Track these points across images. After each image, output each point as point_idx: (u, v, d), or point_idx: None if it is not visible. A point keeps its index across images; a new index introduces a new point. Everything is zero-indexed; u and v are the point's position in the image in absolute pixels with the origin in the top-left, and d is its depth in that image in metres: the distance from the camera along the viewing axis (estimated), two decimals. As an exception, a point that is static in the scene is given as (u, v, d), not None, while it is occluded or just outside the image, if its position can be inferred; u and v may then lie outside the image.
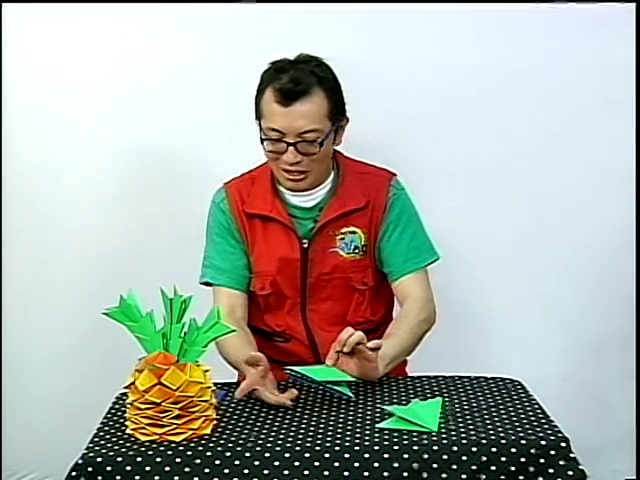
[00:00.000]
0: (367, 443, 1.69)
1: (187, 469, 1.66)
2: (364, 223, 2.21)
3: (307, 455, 1.67)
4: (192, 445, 1.71)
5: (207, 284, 2.25)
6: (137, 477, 1.66)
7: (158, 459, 1.67)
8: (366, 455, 1.67)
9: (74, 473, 1.67)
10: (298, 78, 2.06)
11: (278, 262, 2.20)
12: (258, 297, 2.25)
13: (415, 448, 1.67)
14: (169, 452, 1.69)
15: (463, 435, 1.71)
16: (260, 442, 1.71)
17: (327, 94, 2.09)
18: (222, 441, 1.72)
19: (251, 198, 2.22)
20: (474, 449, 1.67)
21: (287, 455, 1.67)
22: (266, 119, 2.10)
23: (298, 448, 1.68)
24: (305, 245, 2.19)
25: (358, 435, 1.73)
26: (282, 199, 2.20)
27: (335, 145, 2.19)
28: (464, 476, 1.66)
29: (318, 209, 2.20)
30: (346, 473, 1.66)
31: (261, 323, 2.27)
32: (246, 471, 1.66)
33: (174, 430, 1.73)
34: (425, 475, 1.66)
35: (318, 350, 2.21)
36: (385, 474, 1.65)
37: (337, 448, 1.68)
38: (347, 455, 1.67)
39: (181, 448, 1.70)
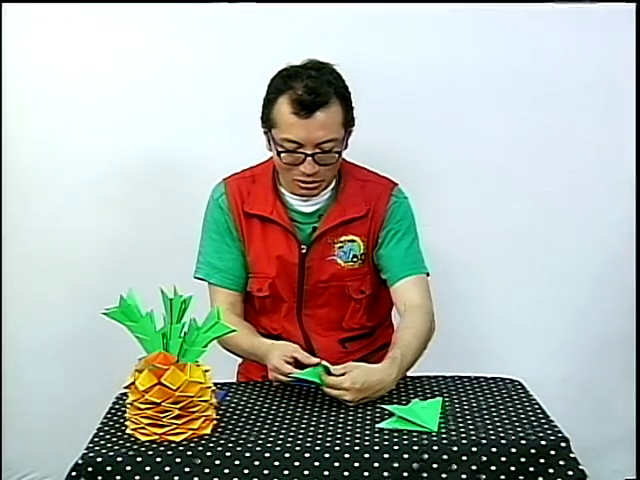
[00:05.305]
0: (367, 443, 1.69)
1: (187, 469, 1.66)
2: (363, 232, 2.19)
3: (307, 455, 1.67)
4: (192, 445, 1.71)
5: (201, 279, 2.25)
6: (137, 477, 1.66)
7: (158, 459, 1.67)
8: (366, 455, 1.67)
9: (74, 473, 1.67)
10: (315, 88, 2.01)
11: (277, 264, 2.19)
12: (255, 298, 2.25)
13: (415, 448, 1.67)
14: (169, 452, 1.69)
15: (463, 435, 1.71)
16: (260, 442, 1.71)
17: (342, 103, 2.07)
18: (222, 441, 1.72)
19: (251, 197, 2.20)
20: (474, 449, 1.67)
21: (287, 455, 1.67)
22: (281, 130, 2.05)
23: (298, 448, 1.68)
24: (304, 251, 2.18)
25: (358, 435, 1.73)
26: (283, 201, 2.19)
27: (343, 150, 2.16)
28: (464, 476, 1.66)
29: (318, 215, 2.19)
30: (346, 473, 1.66)
31: (257, 326, 2.26)
32: (246, 471, 1.66)
33: (174, 430, 1.73)
34: (425, 475, 1.66)
35: (315, 355, 2.20)
36: (385, 474, 1.66)
37: (337, 448, 1.68)
38: (347, 455, 1.67)
39: (181, 448, 1.70)
